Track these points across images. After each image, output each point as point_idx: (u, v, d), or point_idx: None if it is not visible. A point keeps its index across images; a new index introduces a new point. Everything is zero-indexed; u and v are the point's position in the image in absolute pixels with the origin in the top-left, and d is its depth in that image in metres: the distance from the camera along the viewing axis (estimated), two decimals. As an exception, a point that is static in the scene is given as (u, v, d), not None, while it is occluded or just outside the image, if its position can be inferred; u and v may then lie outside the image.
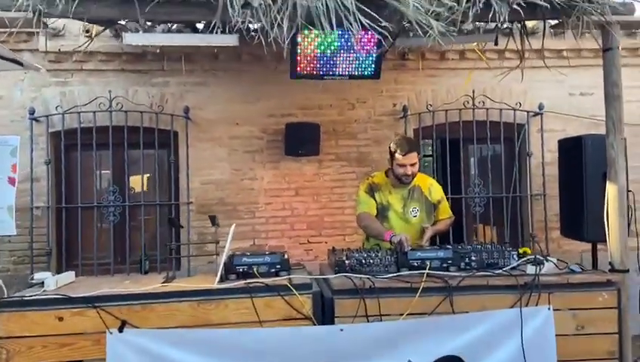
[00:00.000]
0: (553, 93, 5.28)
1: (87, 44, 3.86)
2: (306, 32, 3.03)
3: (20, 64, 2.37)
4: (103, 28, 3.68)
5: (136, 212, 5.01)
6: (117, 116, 4.84)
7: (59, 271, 4.40)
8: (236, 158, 5.11)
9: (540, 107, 5.19)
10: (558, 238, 5.04)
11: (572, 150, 4.42)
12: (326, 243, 5.07)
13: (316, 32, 2.65)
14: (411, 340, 2.90)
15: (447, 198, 5.02)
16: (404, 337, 2.90)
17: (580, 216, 4.23)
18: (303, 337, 2.84)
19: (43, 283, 3.02)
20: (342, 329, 2.85)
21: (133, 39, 3.31)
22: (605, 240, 3.52)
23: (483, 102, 5.10)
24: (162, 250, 4.93)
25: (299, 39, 3.31)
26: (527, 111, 5.21)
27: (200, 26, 4.09)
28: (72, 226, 4.86)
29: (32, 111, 4.76)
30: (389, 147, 3.65)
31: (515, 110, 5.13)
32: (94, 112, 4.79)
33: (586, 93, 5.34)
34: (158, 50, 4.43)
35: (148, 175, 5.16)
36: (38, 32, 4.51)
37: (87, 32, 4.52)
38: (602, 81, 3.31)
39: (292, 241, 5.07)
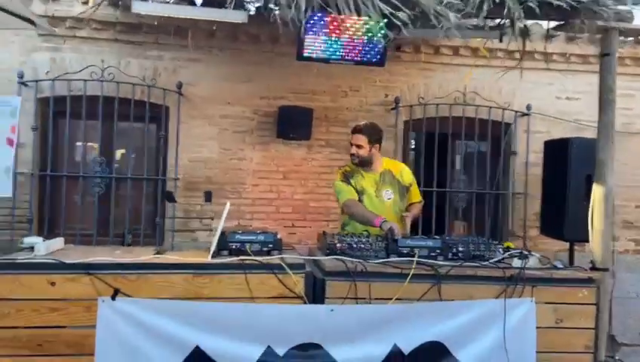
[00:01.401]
0: (541, 95, 5.41)
1: (92, 10, 3.76)
2: (318, 15, 3.04)
3: (33, 23, 2.32)
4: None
5: (121, 185, 4.96)
6: (108, 86, 4.78)
7: (41, 239, 4.34)
8: (226, 138, 5.10)
9: (528, 108, 5.32)
10: (535, 237, 5.20)
11: (558, 151, 4.57)
12: (310, 227, 5.13)
13: (325, 15, 2.65)
14: (398, 324, 2.96)
15: (432, 191, 5.17)
16: (391, 321, 2.96)
17: (561, 216, 4.38)
18: (294, 315, 2.88)
19: (33, 247, 2.98)
20: (332, 310, 2.90)
21: (142, 8, 3.26)
22: (583, 240, 3.67)
23: (474, 99, 5.20)
24: (146, 224, 4.91)
25: (310, 22, 3.31)
26: (516, 112, 5.33)
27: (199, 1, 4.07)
28: (56, 195, 4.79)
29: (20, 75, 4.65)
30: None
31: (503, 110, 5.25)
32: (85, 81, 4.71)
33: (572, 97, 5.49)
34: (155, 23, 4.37)
35: (136, 148, 5.10)
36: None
37: (84, -2, 4.44)
38: (588, 86, 3.42)
39: (277, 224, 5.08)
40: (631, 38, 5.27)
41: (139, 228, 4.78)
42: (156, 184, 5.01)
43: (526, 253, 3.35)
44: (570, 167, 4.30)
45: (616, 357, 5.00)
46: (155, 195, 5.03)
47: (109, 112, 4.77)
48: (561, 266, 3.33)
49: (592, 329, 3.18)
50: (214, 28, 4.64)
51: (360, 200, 3.75)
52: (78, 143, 5.00)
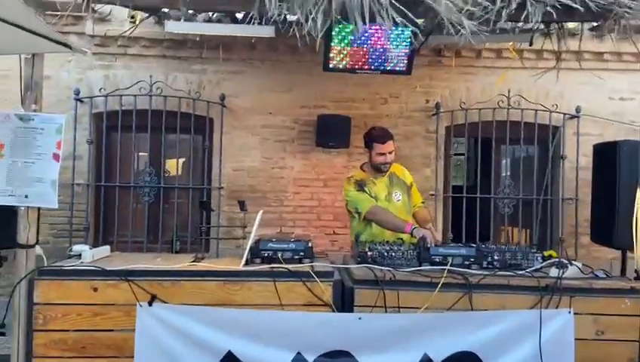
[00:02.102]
0: (591, 96, 5.20)
1: (131, 29, 3.99)
2: (340, 26, 3.09)
3: (69, 47, 2.51)
4: (147, 15, 3.81)
5: (170, 194, 5.19)
6: (156, 100, 5.01)
7: (95, 246, 4.60)
8: (268, 147, 5.23)
9: (577, 110, 5.12)
10: (588, 244, 4.97)
11: (607, 155, 4.36)
12: (351, 234, 5.15)
13: (350, 26, 2.70)
14: (428, 333, 2.94)
15: (476, 198, 5.07)
16: (421, 330, 2.94)
17: (611, 222, 4.17)
18: (323, 322, 2.91)
19: (80, 255, 3.19)
20: (360, 318, 2.91)
21: (175, 27, 3.43)
22: (633, 248, 3.49)
23: (518, 103, 5.07)
24: (193, 231, 5.10)
25: (333, 33, 3.37)
26: (564, 114, 5.15)
27: (239, 15, 4.22)
28: (110, 204, 5.07)
29: (77, 92, 4.97)
30: (365, 138, 3.77)
31: (550, 112, 5.08)
32: (135, 96, 4.97)
33: (626, 97, 5.25)
34: (198, 38, 4.56)
35: (183, 159, 5.32)
36: (85, 17, 4.68)
37: (132, 17, 4.69)
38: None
39: (318, 231, 5.16)
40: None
41: (186, 236, 4.97)
42: (202, 193, 5.20)
43: (565, 261, 3.23)
44: (619, 171, 4.09)
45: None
46: (201, 204, 5.22)
47: (157, 125, 5.00)
48: (603, 276, 3.19)
49: (637, 341, 3.02)
50: (253, 41, 4.77)
51: None
52: (130, 155, 5.27)
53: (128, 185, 5.09)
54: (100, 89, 5.03)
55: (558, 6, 2.66)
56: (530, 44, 3.36)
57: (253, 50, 5.09)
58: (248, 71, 5.17)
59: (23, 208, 2.92)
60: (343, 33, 3.40)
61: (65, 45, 2.44)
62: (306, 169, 5.22)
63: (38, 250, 3.05)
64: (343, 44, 3.46)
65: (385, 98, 5.23)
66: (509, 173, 5.35)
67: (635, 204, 3.26)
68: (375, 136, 3.71)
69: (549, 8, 2.63)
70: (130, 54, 5.14)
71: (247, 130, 5.19)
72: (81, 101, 5.01)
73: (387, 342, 2.92)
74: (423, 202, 4.03)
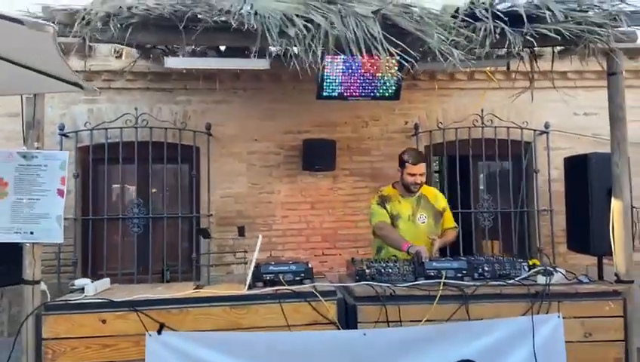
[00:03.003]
0: (559, 112, 5.49)
1: (131, 65, 4.06)
2: (332, 57, 3.26)
3: (81, 87, 2.60)
4: (140, 51, 3.90)
5: (158, 224, 5.22)
6: (142, 132, 5.07)
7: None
8: (254, 173, 5.33)
9: (546, 126, 5.42)
10: (565, 252, 5.21)
11: (578, 167, 4.62)
12: (340, 255, 5.28)
13: (342, 57, 2.87)
14: (430, 344, 3.08)
15: (457, 213, 5.27)
16: (423, 342, 3.08)
17: (586, 231, 4.41)
18: (329, 340, 3.02)
19: (83, 288, 3.22)
20: (365, 334, 3.03)
21: (174, 63, 3.54)
22: (610, 254, 3.72)
23: (491, 121, 5.33)
24: (183, 260, 5.13)
25: (326, 63, 3.54)
26: (534, 130, 5.43)
27: (222, 48, 4.36)
28: (98, 237, 5.07)
29: (61, 127, 4.99)
30: (400, 157, 3.92)
31: (522, 129, 5.35)
32: (121, 128, 5.02)
33: (590, 113, 5.57)
34: (184, 71, 4.66)
35: (170, 188, 5.37)
36: (70, 53, 4.74)
37: (117, 52, 4.78)
38: (604, 102, 3.54)
39: (308, 253, 5.26)
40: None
41: (176, 265, 5.00)
42: (191, 221, 5.26)
43: (550, 269, 3.43)
44: (590, 182, 4.34)
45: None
46: (191, 232, 5.27)
47: (143, 156, 5.05)
48: (586, 280, 3.41)
49: (622, 341, 3.23)
50: (238, 71, 4.91)
51: (394, 225, 3.89)
52: (116, 186, 5.29)
53: (116, 217, 5.10)
54: (85, 123, 5.07)
55: (535, 34, 2.91)
56: (508, 69, 3.61)
57: (237, 80, 5.23)
58: (233, 100, 5.30)
59: (28, 245, 2.95)
60: (337, 64, 3.58)
61: (76, 85, 2.53)
62: (293, 193, 5.34)
63: (42, 285, 3.07)
64: (335, 74, 3.63)
65: (366, 121, 5.42)
66: (486, 188, 5.58)
67: (611, 212, 3.51)
68: (408, 157, 3.88)
69: (528, 37, 2.87)
70: (114, 88, 5.20)
71: (234, 157, 5.30)
72: (66, 136, 5.03)
73: (391, 356, 3.04)
74: (454, 227, 4.15)
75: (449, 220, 4.12)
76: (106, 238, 5.01)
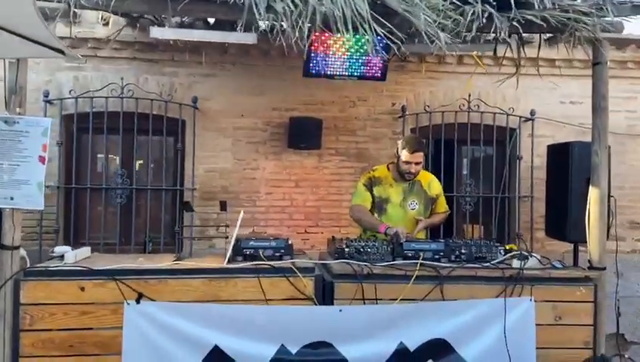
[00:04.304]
0: (545, 100, 5.53)
1: (116, 34, 4.01)
2: (321, 34, 3.25)
3: (63, 53, 2.57)
4: (128, 20, 3.84)
5: (141, 195, 5.21)
6: (128, 103, 5.03)
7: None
8: (240, 148, 5.32)
9: (532, 113, 5.46)
10: (543, 238, 5.31)
11: (560, 155, 4.69)
12: (322, 233, 5.31)
13: (331, 35, 2.86)
14: (404, 323, 3.15)
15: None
16: (397, 320, 3.15)
17: (564, 218, 4.50)
18: (306, 315, 3.08)
19: (63, 256, 3.23)
20: (341, 310, 3.09)
21: (160, 33, 3.50)
22: (585, 241, 3.80)
23: (478, 106, 5.36)
24: (166, 232, 5.15)
25: (314, 40, 3.53)
26: (520, 117, 5.47)
27: (211, 20, 4.31)
28: (81, 206, 5.06)
29: (46, 94, 4.93)
30: (398, 143, 3.90)
31: (508, 115, 5.39)
32: (106, 98, 4.97)
33: (576, 101, 5.61)
34: (171, 42, 4.61)
35: (155, 160, 5.35)
36: (55, 18, 4.67)
37: (104, 20, 4.70)
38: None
39: (290, 230, 5.29)
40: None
41: (159, 237, 5.02)
42: (174, 194, 5.26)
43: (525, 254, 3.50)
44: (571, 170, 4.41)
45: (627, 356, 5.09)
46: (174, 205, 5.27)
47: (129, 127, 5.02)
48: (560, 266, 3.48)
49: (591, 325, 3.32)
50: (226, 45, 4.87)
51: (383, 208, 3.90)
52: (100, 156, 5.26)
53: (100, 186, 5.08)
54: (70, 91, 5.01)
55: (522, 20, 2.93)
56: (495, 54, 3.63)
57: (225, 54, 5.18)
58: (220, 74, 5.26)
59: (8, 210, 2.94)
60: (324, 42, 3.56)
61: (58, 51, 2.50)
62: (277, 170, 5.35)
63: (21, 251, 3.07)
64: (322, 51, 3.63)
65: (353, 101, 5.42)
66: (469, 173, 5.64)
67: (587, 201, 3.57)
68: (406, 143, 3.81)
69: (514, 23, 2.89)
70: (100, 56, 5.13)
71: (220, 132, 5.28)
72: (51, 103, 4.97)
73: (366, 332, 3.11)
74: (444, 211, 4.14)
75: (441, 205, 4.12)
76: (88, 207, 5.00)
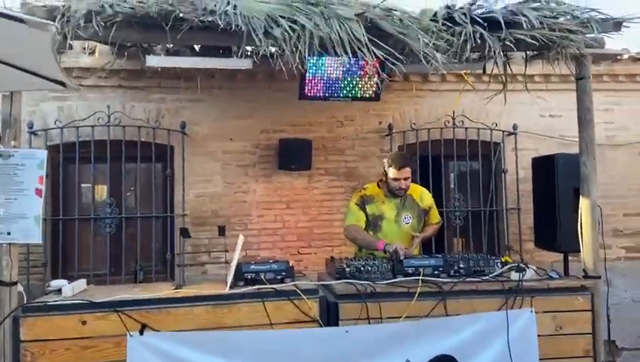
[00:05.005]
0: (526, 114, 5.67)
1: (111, 63, 3.98)
2: (315, 57, 3.30)
3: (64, 85, 2.55)
4: (113, 51, 3.83)
5: (131, 224, 5.14)
6: (115, 131, 4.99)
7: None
8: (230, 172, 5.31)
9: (515, 127, 5.59)
10: (532, 249, 5.40)
11: (545, 167, 4.80)
12: (315, 254, 5.32)
13: (324, 58, 2.91)
14: (409, 341, 3.16)
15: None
16: (402, 338, 3.15)
17: (553, 229, 4.59)
18: (312, 338, 3.06)
19: (60, 290, 3.16)
20: (347, 331, 3.09)
21: (155, 62, 3.51)
22: (575, 251, 3.88)
23: (462, 122, 5.47)
24: (157, 260, 5.08)
25: (309, 64, 3.58)
26: (503, 131, 5.60)
27: (197, 47, 4.33)
28: (69, 238, 4.96)
29: (30, 125, 4.85)
30: (384, 161, 3.93)
31: (491, 130, 5.51)
32: (93, 127, 4.93)
33: (555, 115, 5.77)
34: (159, 69, 4.61)
35: (144, 187, 5.29)
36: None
37: (90, 49, 4.68)
38: (569, 104, 3.70)
39: (283, 252, 5.28)
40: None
41: (150, 265, 4.95)
42: (165, 221, 5.20)
43: (523, 266, 3.56)
44: (557, 181, 4.51)
45: (618, 362, 5.19)
46: (165, 232, 5.22)
47: (116, 155, 4.97)
48: (556, 276, 3.55)
49: (590, 334, 3.38)
50: (214, 70, 4.88)
51: (378, 225, 3.92)
52: (88, 185, 5.18)
53: (88, 217, 5.00)
54: (55, 121, 4.95)
55: (512, 40, 3.03)
56: (484, 72, 3.73)
57: (212, 79, 5.19)
58: (207, 99, 5.26)
59: (5, 245, 2.88)
60: (320, 65, 3.61)
61: (58, 82, 2.48)
62: (268, 192, 5.35)
63: (19, 287, 3.00)
64: (318, 74, 3.67)
65: (341, 121, 5.47)
66: (457, 187, 5.72)
67: (579, 211, 3.66)
68: (391, 161, 3.84)
69: (506, 42, 2.98)
70: (85, 85, 5.08)
71: (209, 157, 5.26)
72: (35, 134, 4.90)
73: (373, 352, 3.10)
74: (437, 222, 4.18)
75: (434, 216, 4.17)
76: (77, 239, 4.91)
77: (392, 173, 3.82)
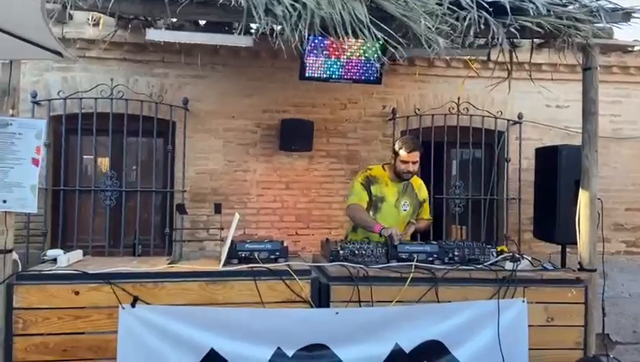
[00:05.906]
0: (532, 104, 5.61)
1: (111, 35, 3.95)
2: (319, 38, 3.26)
3: (60, 54, 2.53)
4: (119, 21, 3.80)
5: (131, 197, 5.17)
6: (117, 104, 4.98)
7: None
8: (231, 150, 5.31)
9: (520, 116, 5.53)
10: (530, 240, 5.40)
11: (548, 158, 4.78)
12: (313, 235, 5.33)
13: (326, 38, 2.87)
14: (399, 325, 3.17)
15: (430, 198, 5.37)
16: (392, 322, 3.16)
17: (552, 220, 4.58)
18: (302, 318, 3.08)
19: (55, 259, 3.19)
20: (337, 313, 3.10)
21: (157, 35, 3.48)
22: (573, 243, 3.86)
23: (467, 109, 5.41)
24: (156, 234, 5.11)
25: (311, 44, 3.54)
26: (508, 120, 5.54)
27: (202, 21, 4.30)
28: (69, 208, 4.99)
29: (34, 95, 4.86)
30: (394, 144, 3.95)
31: (496, 118, 5.46)
32: (95, 99, 4.92)
33: (561, 105, 5.70)
34: (162, 43, 4.57)
35: (145, 162, 5.30)
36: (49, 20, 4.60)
37: (94, 20, 4.66)
38: (576, 95, 3.65)
39: (281, 232, 5.29)
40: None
41: (148, 239, 4.98)
42: (164, 196, 5.22)
43: (518, 256, 3.55)
44: (559, 173, 4.50)
45: (612, 356, 5.19)
46: (164, 207, 5.24)
47: (118, 128, 4.97)
48: (551, 268, 3.54)
49: (582, 326, 3.38)
50: (218, 47, 4.85)
51: (378, 207, 3.94)
52: (89, 157, 5.20)
53: (88, 188, 5.02)
54: (59, 92, 4.94)
55: (517, 26, 2.98)
56: (488, 58, 3.68)
57: (216, 55, 5.16)
58: (211, 75, 5.24)
59: (0, 213, 2.90)
60: (321, 45, 3.57)
61: (55, 52, 2.47)
62: (268, 172, 5.34)
63: (14, 255, 3.03)
64: (319, 55, 3.63)
65: (344, 103, 5.44)
66: (458, 175, 5.70)
67: (577, 204, 3.63)
68: (403, 143, 3.87)
69: (511, 29, 2.93)
70: (89, 57, 5.07)
71: (210, 134, 5.26)
72: (39, 104, 4.90)
73: (362, 334, 3.12)
74: (429, 219, 4.24)
75: (426, 212, 4.21)
76: (77, 210, 4.94)
77: (402, 155, 3.84)
